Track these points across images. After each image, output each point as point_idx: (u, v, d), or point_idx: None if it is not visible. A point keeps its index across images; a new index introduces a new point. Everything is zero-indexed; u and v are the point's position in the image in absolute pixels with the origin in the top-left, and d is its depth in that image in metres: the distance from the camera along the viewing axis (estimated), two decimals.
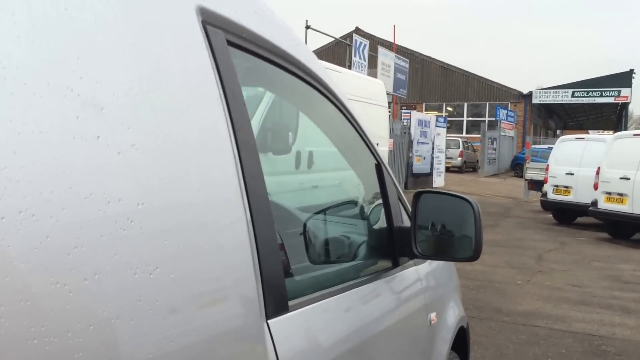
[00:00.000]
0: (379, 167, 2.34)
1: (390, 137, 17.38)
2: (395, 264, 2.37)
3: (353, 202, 2.64)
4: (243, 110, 1.45)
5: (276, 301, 1.44)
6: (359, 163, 2.52)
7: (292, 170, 7.50)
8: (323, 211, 2.60)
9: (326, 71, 2.06)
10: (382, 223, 2.40)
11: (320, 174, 7.24)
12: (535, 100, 40.05)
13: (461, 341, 3.15)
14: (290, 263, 1.99)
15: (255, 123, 7.27)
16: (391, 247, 2.36)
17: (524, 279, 8.62)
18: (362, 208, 2.59)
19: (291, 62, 1.80)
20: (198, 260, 1.18)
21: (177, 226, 1.14)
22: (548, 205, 15.82)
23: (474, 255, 2.19)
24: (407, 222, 2.43)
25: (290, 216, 2.51)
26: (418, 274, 2.57)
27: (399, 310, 2.31)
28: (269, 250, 1.43)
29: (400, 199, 2.49)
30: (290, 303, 1.54)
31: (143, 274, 1.02)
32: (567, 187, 14.91)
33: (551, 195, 15.30)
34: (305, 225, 2.43)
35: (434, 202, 2.28)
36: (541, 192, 16.19)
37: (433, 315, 2.64)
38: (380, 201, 2.39)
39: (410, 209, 2.37)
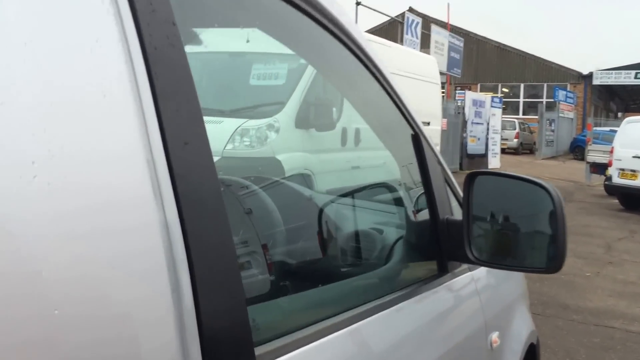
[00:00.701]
0: (416, 138, 1.69)
1: (444, 117, 16.70)
2: (443, 270, 1.74)
3: (386, 186, 2.00)
4: (171, 34, 0.84)
5: (230, 352, 0.84)
6: (395, 138, 1.88)
7: (334, 148, 6.94)
8: (347, 196, 1.97)
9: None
10: (424, 213, 1.76)
11: (367, 152, 6.67)
12: (595, 82, 38.75)
13: None
14: (275, 277, 1.39)
15: (297, 97, 6.72)
16: (437, 247, 1.72)
17: (593, 271, 7.82)
18: (398, 193, 1.95)
19: None
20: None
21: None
22: (613, 190, 14.88)
23: (554, 265, 1.53)
24: (457, 213, 1.79)
25: (299, 204, 1.89)
26: (474, 281, 1.92)
27: (450, 336, 1.68)
28: (216, 267, 0.84)
29: (447, 182, 1.83)
30: (262, 350, 0.93)
31: None
32: (634, 171, 13.96)
33: (616, 180, 14.35)
34: (320, 214, 1.81)
35: (495, 187, 1.64)
36: (605, 175, 15.27)
37: (495, 336, 1.99)
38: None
39: (462, 196, 1.72)
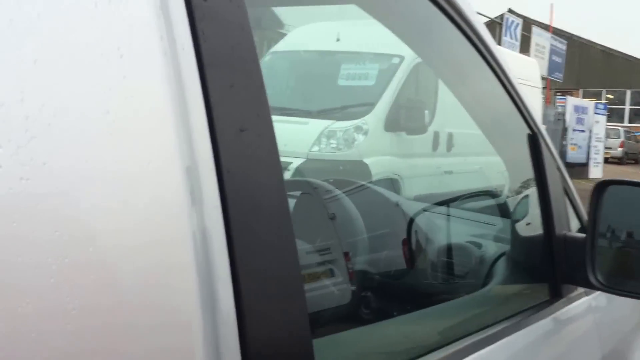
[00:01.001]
0: (533, 139, 1.43)
1: (543, 124, 16.10)
2: (557, 295, 1.47)
3: (488, 194, 1.75)
4: None
5: None
6: (506, 137, 1.63)
7: (425, 153, 6.72)
8: (439, 204, 1.73)
9: None
10: (533, 226, 1.51)
11: (460, 157, 6.41)
12: None
13: None
14: (354, 295, 1.18)
15: (387, 99, 6.53)
16: (550, 267, 1.46)
17: None
18: (501, 202, 1.70)
19: None
20: None
21: None
22: None
23: None
24: (574, 228, 1.53)
25: (387, 210, 1.66)
26: (591, 308, 1.64)
27: None
28: (271, 288, 0.63)
29: (566, 192, 1.56)
30: None
31: None
32: None
33: None
34: (410, 223, 1.59)
35: (631, 200, 1.36)
36: None
37: None
38: (529, 192, 1.49)
39: (582, 210, 1.45)
